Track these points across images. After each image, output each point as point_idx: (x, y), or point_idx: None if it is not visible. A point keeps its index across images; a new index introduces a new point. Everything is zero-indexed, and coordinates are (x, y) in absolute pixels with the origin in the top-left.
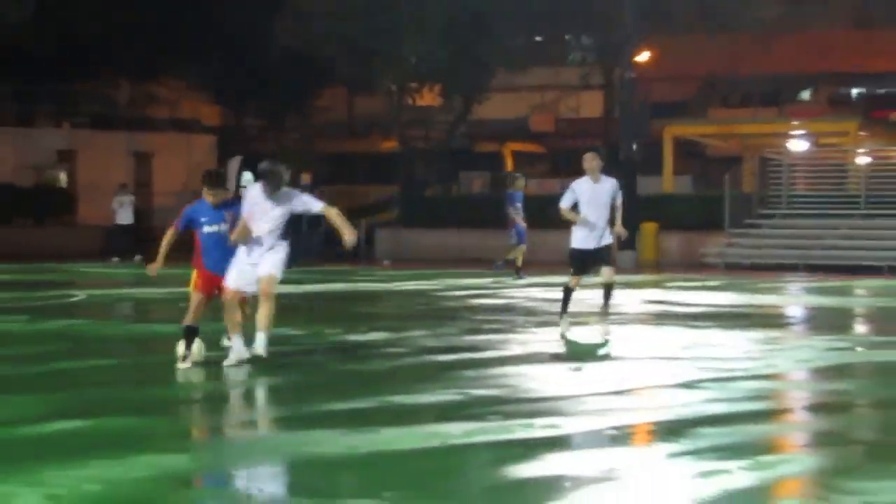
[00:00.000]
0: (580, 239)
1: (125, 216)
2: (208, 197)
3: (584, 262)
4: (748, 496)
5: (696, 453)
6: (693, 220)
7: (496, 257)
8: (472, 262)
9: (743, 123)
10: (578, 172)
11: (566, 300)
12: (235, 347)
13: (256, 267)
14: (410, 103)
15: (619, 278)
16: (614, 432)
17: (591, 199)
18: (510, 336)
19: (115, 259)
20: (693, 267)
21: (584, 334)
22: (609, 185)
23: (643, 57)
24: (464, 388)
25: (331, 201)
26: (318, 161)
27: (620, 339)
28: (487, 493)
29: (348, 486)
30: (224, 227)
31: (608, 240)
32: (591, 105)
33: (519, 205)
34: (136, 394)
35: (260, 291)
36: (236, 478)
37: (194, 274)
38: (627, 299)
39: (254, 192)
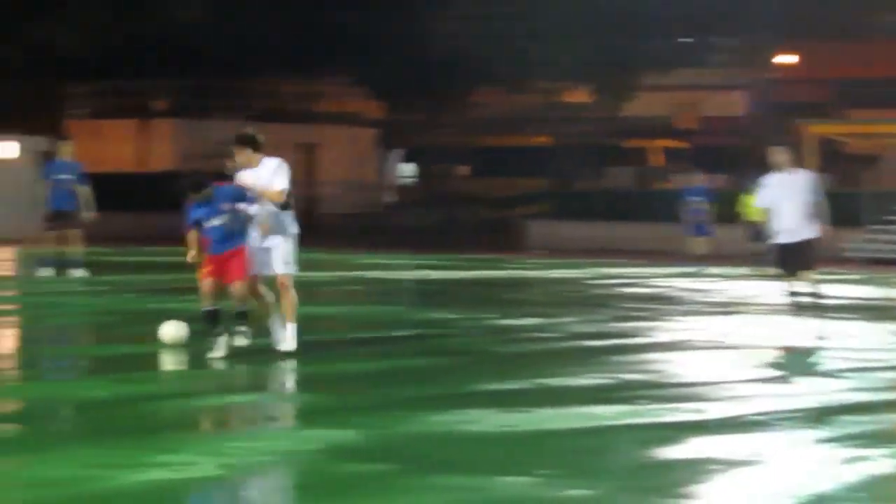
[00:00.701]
0: (778, 234)
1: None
2: (193, 199)
3: (786, 257)
4: (890, 483)
5: (837, 440)
6: (833, 216)
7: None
8: (619, 252)
9: (883, 123)
10: (721, 169)
11: (795, 296)
12: (287, 333)
13: (269, 251)
14: (562, 100)
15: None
16: (758, 418)
17: (782, 192)
18: (657, 324)
19: None
20: (833, 261)
21: (728, 323)
22: (803, 177)
23: (783, 59)
24: (613, 372)
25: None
26: (472, 154)
27: (764, 328)
28: (636, 472)
29: (503, 464)
30: (224, 217)
31: (808, 234)
32: (733, 104)
33: (697, 198)
34: (303, 370)
35: (278, 284)
36: (397, 452)
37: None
38: (769, 290)
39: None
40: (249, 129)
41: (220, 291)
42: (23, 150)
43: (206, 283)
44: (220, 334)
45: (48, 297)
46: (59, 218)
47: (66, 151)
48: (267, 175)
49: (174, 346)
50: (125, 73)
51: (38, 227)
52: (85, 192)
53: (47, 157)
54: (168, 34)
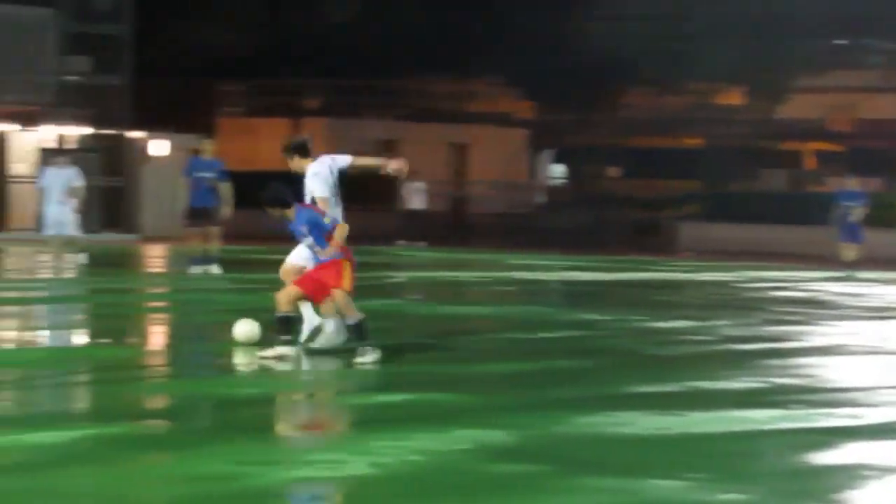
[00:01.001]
0: None
1: (417, 202)
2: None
3: None
4: None
5: None
6: None
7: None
8: (771, 255)
9: None
10: (876, 172)
11: None
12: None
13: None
14: (714, 102)
15: None
16: None
17: None
18: (811, 328)
19: (402, 242)
20: None
21: (885, 329)
22: None
23: None
24: (766, 376)
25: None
26: (623, 155)
27: None
28: (789, 477)
29: (654, 466)
30: (306, 241)
31: None
32: (889, 107)
33: (851, 202)
34: (450, 370)
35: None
36: (548, 452)
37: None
38: None
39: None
40: (298, 136)
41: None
42: (174, 147)
43: (292, 290)
44: (362, 340)
45: (196, 293)
46: (198, 215)
47: (208, 149)
48: (308, 183)
49: (247, 345)
50: (277, 72)
51: (180, 224)
52: (226, 189)
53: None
54: (320, 33)
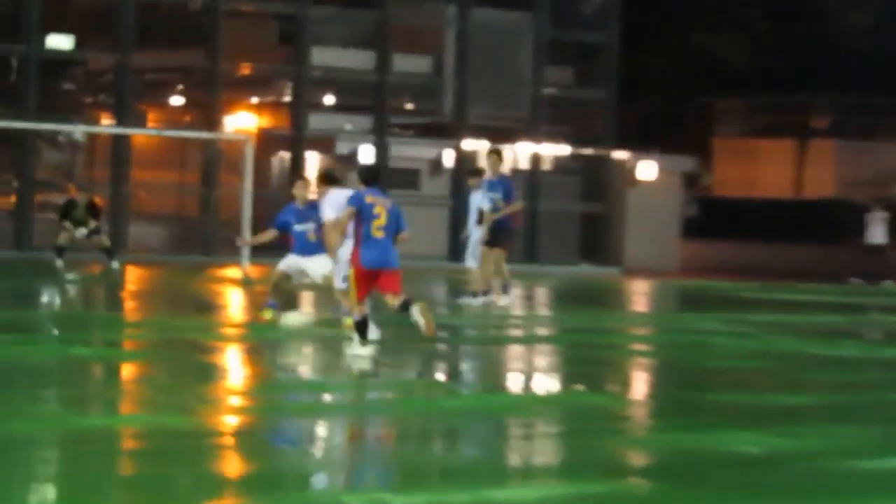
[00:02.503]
0: None
1: (876, 234)
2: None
3: None
4: None
5: None
6: None
7: None
8: None
9: None
10: None
11: None
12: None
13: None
14: None
15: None
16: None
17: None
18: None
19: (856, 280)
20: None
21: None
22: None
23: None
24: None
25: None
26: None
27: None
28: None
29: None
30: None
31: None
32: None
33: None
34: None
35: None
36: None
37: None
38: None
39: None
40: (329, 168)
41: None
42: (661, 170)
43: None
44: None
45: (686, 335)
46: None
47: None
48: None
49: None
50: (782, 87)
51: (680, 257)
52: None
53: (690, 180)
54: (833, 42)
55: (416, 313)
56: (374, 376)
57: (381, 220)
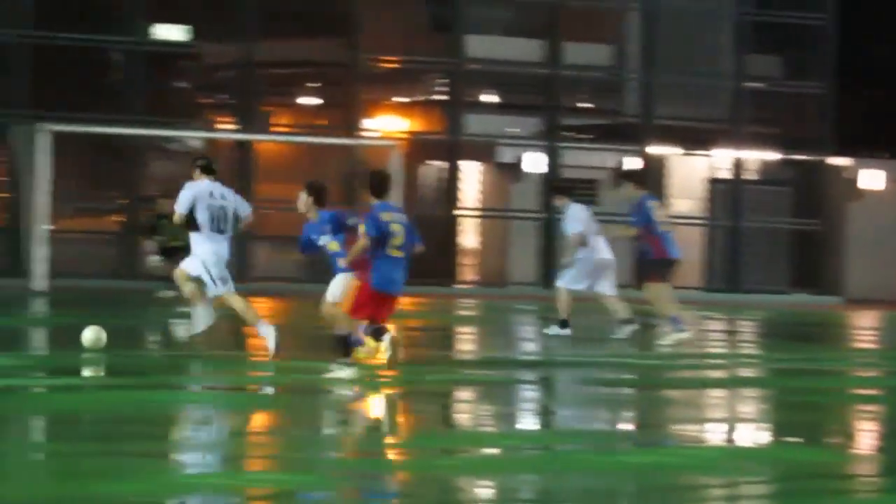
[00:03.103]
0: None
1: None
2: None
3: None
4: None
5: None
6: None
7: None
8: None
9: None
10: None
11: None
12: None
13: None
14: None
15: None
16: None
17: None
18: None
19: None
20: None
21: None
22: None
23: None
24: None
25: None
26: None
27: None
28: None
29: None
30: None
31: None
32: None
33: None
34: None
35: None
36: None
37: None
38: None
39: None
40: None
41: None
42: (889, 179)
43: None
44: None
45: None
46: None
47: None
48: None
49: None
50: None
51: None
52: None
53: None
54: None
55: (388, 342)
56: (545, 426)
57: (399, 239)
